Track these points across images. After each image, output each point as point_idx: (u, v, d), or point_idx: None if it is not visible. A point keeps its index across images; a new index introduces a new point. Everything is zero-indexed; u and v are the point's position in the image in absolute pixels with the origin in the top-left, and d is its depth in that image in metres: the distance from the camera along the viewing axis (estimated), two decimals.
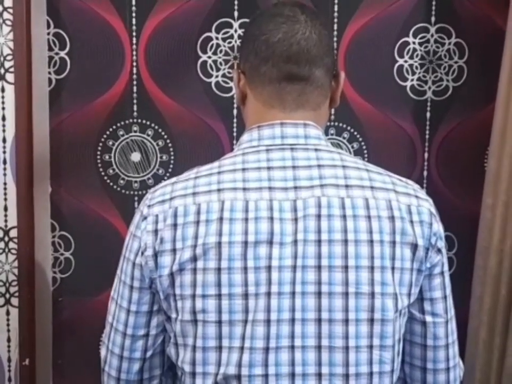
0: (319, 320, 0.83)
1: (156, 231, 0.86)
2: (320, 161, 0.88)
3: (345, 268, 0.83)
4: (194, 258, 0.83)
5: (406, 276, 0.85)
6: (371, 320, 0.83)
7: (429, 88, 1.61)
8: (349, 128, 1.61)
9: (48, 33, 1.52)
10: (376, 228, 0.84)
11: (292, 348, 0.83)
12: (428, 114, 1.61)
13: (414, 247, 0.86)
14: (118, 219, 1.59)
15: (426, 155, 1.63)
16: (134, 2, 1.52)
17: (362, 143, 1.61)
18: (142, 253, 0.87)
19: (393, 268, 0.84)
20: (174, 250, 0.85)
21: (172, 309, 0.87)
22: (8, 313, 1.61)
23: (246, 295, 0.82)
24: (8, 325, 1.61)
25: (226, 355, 0.83)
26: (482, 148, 1.61)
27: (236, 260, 0.82)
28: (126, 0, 1.52)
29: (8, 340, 1.61)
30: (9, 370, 1.62)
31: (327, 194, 0.85)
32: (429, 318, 0.90)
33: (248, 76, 0.93)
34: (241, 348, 0.82)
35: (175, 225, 0.85)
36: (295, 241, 0.83)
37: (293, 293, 0.83)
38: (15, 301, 1.58)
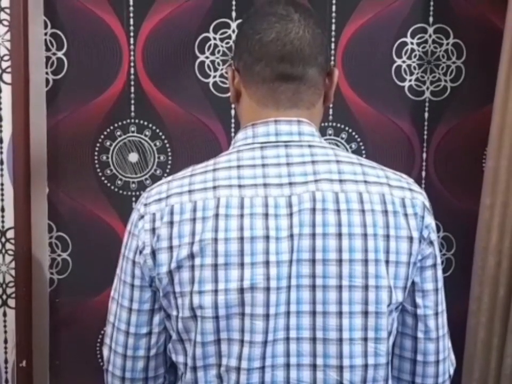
0: (313, 313, 0.84)
1: (153, 230, 0.87)
2: (314, 157, 0.89)
3: (339, 261, 0.84)
4: (191, 256, 0.84)
5: (401, 270, 0.86)
6: (365, 313, 0.84)
7: (427, 88, 1.61)
8: (347, 128, 1.60)
9: (46, 34, 1.52)
10: (370, 221, 0.85)
11: (287, 339, 0.84)
12: (426, 115, 1.61)
13: (410, 240, 0.86)
14: (116, 220, 1.59)
15: (424, 155, 1.63)
16: (131, 3, 1.52)
17: (361, 144, 1.61)
18: (141, 252, 0.88)
19: (387, 261, 0.85)
20: (170, 248, 0.85)
21: (172, 306, 0.87)
22: (5, 314, 1.60)
23: (241, 290, 0.83)
24: (5, 326, 1.60)
25: (226, 347, 0.84)
26: (481, 147, 1.61)
27: (233, 256, 0.83)
28: (123, 0, 1.52)
29: (5, 341, 1.61)
30: (6, 372, 1.62)
31: (321, 189, 0.85)
32: (420, 311, 0.90)
33: (242, 75, 0.93)
34: (241, 341, 0.84)
35: (171, 223, 0.86)
36: (291, 236, 0.84)
37: (289, 287, 0.84)
38: (12, 302, 1.58)
